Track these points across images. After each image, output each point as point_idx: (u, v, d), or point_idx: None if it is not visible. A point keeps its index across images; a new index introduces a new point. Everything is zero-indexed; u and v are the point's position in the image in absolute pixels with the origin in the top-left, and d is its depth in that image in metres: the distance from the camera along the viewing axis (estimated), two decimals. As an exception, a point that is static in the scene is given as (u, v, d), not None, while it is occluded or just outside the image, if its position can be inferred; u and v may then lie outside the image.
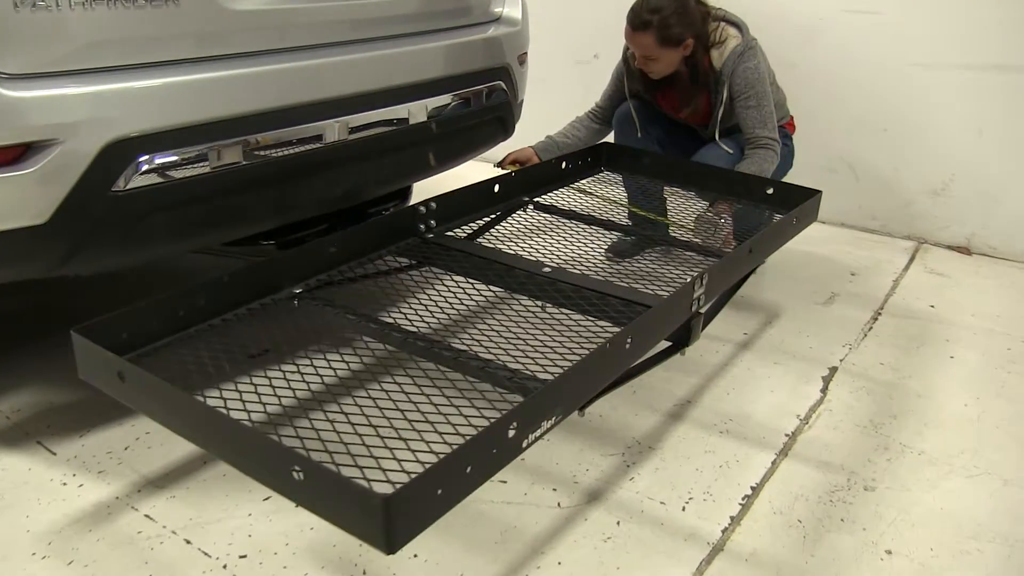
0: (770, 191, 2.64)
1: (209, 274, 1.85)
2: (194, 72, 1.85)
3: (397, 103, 2.25)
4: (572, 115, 3.22)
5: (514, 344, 1.93)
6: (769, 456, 2.15)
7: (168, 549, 1.80)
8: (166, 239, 1.91)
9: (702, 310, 1.94)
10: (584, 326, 2.03)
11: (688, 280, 1.85)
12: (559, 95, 4.11)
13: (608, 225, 2.51)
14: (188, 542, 1.82)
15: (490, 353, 1.80)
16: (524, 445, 1.39)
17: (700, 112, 2.92)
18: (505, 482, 2.03)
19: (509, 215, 2.53)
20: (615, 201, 2.83)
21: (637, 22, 2.70)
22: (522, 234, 2.54)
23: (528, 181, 2.64)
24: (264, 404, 1.87)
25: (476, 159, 2.83)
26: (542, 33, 4.17)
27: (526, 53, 2.89)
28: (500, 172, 2.65)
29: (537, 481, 2.04)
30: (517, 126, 2.89)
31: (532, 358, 1.85)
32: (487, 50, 2.59)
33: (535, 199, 2.61)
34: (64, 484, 1.99)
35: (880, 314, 2.95)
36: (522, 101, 2.92)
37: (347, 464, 1.46)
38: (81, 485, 1.99)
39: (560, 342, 1.95)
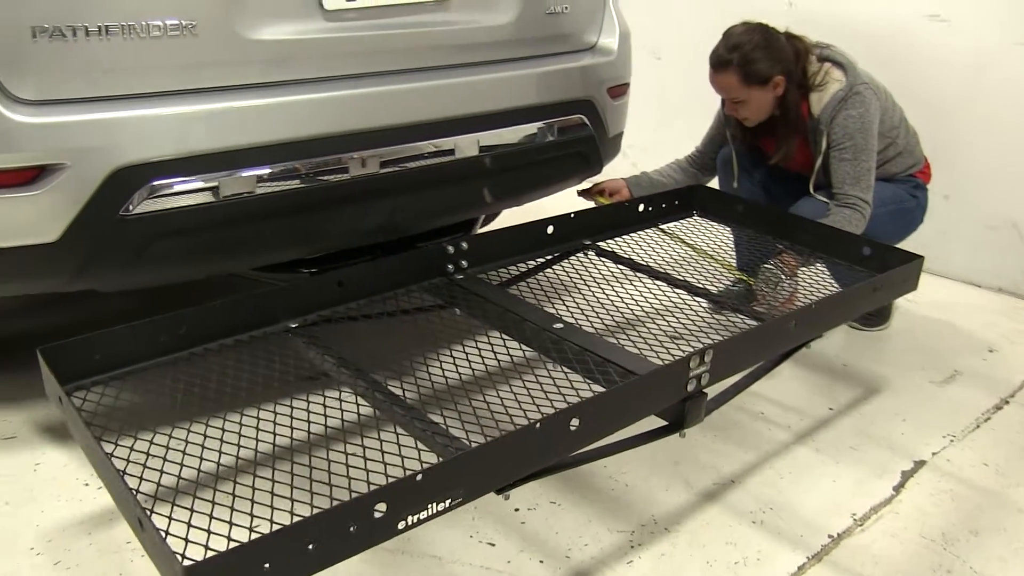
0: (867, 251, 2.34)
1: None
2: (207, 102, 1.89)
3: (437, 136, 2.19)
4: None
5: (485, 401, 1.82)
6: (798, 559, 1.89)
7: (143, 563, 1.84)
8: (174, 263, 1.96)
9: (705, 389, 1.74)
10: (576, 390, 1.87)
11: (682, 356, 1.66)
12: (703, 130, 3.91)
13: (667, 279, 2.32)
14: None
15: (447, 412, 1.70)
16: (401, 527, 1.29)
17: (792, 159, 2.64)
18: (493, 545, 1.92)
19: (565, 259, 2.40)
20: (701, 251, 2.62)
21: (718, 62, 2.49)
22: (568, 282, 2.40)
23: (595, 222, 2.49)
24: (195, 438, 1.82)
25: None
26: (682, 64, 4.01)
27: (626, 85, 2.74)
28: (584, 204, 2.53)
29: (527, 549, 1.91)
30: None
31: (492, 421, 1.73)
32: (568, 82, 2.47)
33: (597, 243, 2.46)
34: (86, 485, 2.09)
35: (1007, 403, 2.54)
36: (619, 135, 2.77)
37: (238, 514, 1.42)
38: (99, 488, 2.08)
39: (534, 406, 1.80)
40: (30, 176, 1.78)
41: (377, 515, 1.25)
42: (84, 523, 1.97)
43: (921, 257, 2.24)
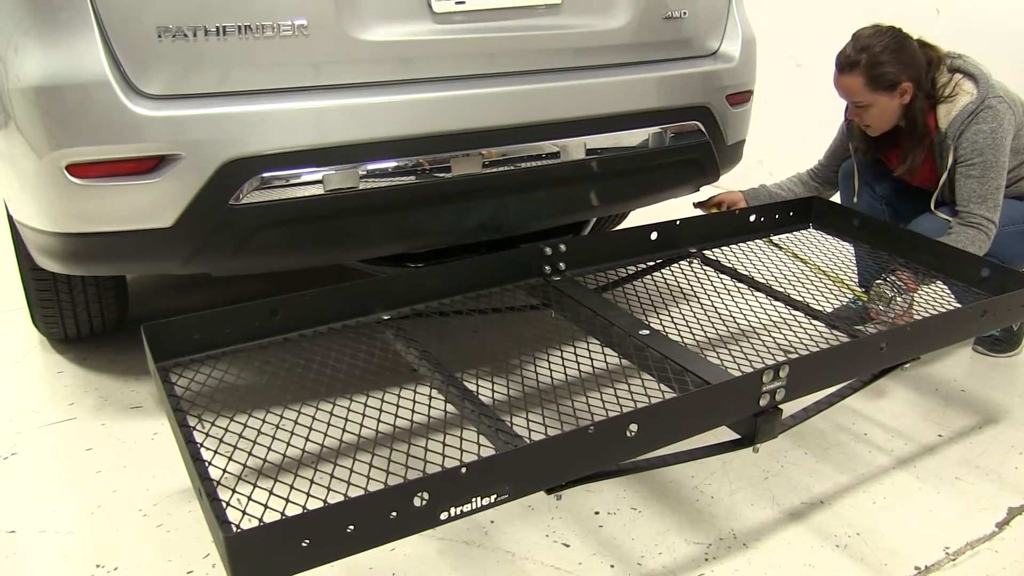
0: (986, 273, 2.20)
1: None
2: (315, 99, 1.98)
3: (544, 139, 2.22)
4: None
5: (559, 402, 1.83)
6: (878, 588, 1.82)
7: (235, 535, 1.96)
8: (280, 252, 2.07)
9: (781, 405, 1.69)
10: (650, 397, 1.86)
11: (756, 370, 1.62)
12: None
13: (769, 292, 2.26)
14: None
15: (518, 410, 1.72)
16: (444, 518, 1.33)
17: (916, 173, 2.51)
18: (568, 545, 1.93)
19: (668, 266, 2.37)
20: (814, 264, 2.54)
21: (844, 63, 2.39)
22: (667, 289, 2.38)
23: (703, 231, 2.45)
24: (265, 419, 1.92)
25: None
26: (824, 72, 3.89)
27: (748, 92, 2.68)
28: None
29: (600, 552, 1.91)
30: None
31: (560, 421, 1.74)
32: (682, 88, 2.45)
33: (703, 251, 2.42)
34: (194, 456, 2.24)
35: None
36: (739, 142, 2.72)
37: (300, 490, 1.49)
38: (205, 460, 2.22)
39: (604, 411, 1.80)
40: (150, 165, 1.92)
41: (418, 504, 1.29)
42: (187, 492, 2.11)
43: (1041, 281, 2.10)
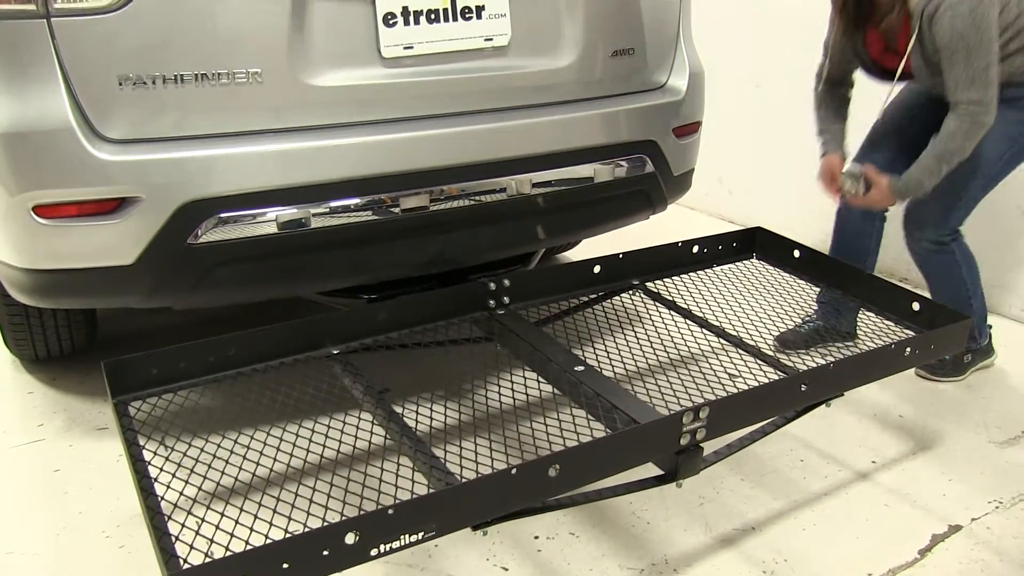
0: (916, 307, 2.31)
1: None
2: (269, 143, 2.08)
3: (495, 176, 2.31)
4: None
5: (492, 438, 1.94)
6: (799, 613, 1.93)
7: (193, 559, 2.05)
8: (236, 287, 2.16)
9: (702, 444, 1.79)
10: (581, 434, 1.96)
11: (677, 412, 1.72)
12: (801, 160, 3.87)
13: (703, 323, 2.37)
14: (209, 556, 2.05)
15: (451, 446, 1.83)
16: (374, 554, 1.43)
17: (896, 52, 2.50)
18: (507, 569, 2.03)
19: (611, 297, 2.48)
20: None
21: None
22: (606, 322, 2.47)
23: (646, 262, 2.55)
24: (229, 449, 2.04)
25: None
26: (782, 93, 3.98)
27: (696, 124, 2.78)
28: (605, 254, 2.59)
29: (537, 576, 2.02)
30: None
31: (491, 458, 1.84)
32: (628, 123, 2.54)
33: (645, 283, 2.52)
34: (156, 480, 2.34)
35: (1069, 471, 2.45)
36: (686, 172, 2.82)
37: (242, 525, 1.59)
38: (169, 483, 2.32)
39: (533, 448, 1.91)
40: (112, 207, 2.01)
41: (350, 541, 1.39)
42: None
43: (968, 318, 2.20)
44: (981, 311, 2.80)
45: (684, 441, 1.75)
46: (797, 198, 4.01)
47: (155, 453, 1.95)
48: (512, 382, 2.29)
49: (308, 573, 1.37)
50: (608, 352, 2.38)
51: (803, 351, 2.84)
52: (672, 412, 1.73)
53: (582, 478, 1.63)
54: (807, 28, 3.84)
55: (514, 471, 1.52)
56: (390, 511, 1.41)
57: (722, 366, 2.25)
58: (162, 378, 1.93)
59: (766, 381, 1.90)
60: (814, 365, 1.97)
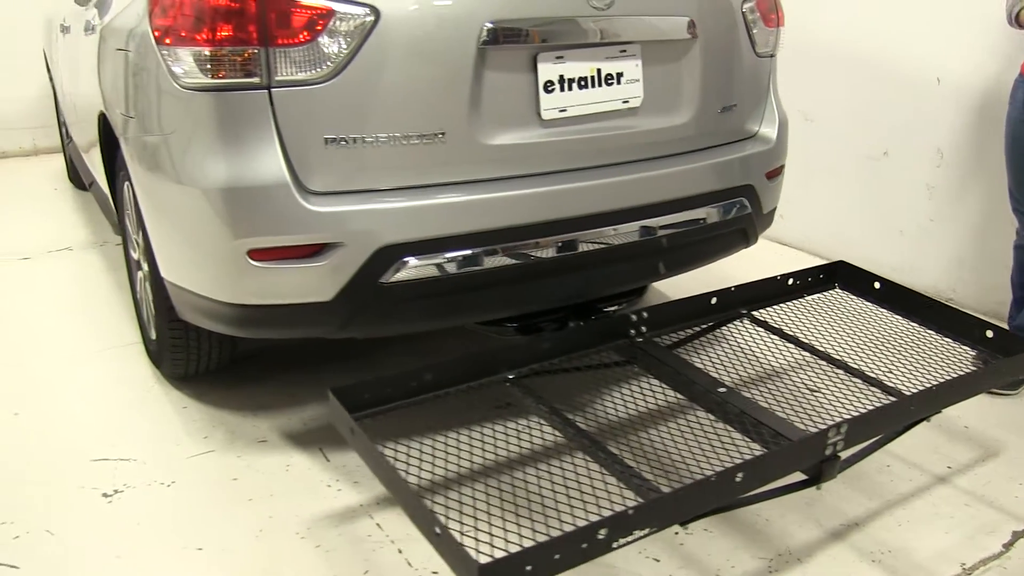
0: (990, 334, 2.68)
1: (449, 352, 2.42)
2: (453, 194, 2.40)
3: (630, 221, 2.66)
4: (861, 210, 3.22)
5: (665, 450, 2.28)
6: (911, 597, 2.29)
7: (384, 554, 2.36)
8: (419, 319, 2.49)
9: (842, 454, 2.15)
10: (736, 446, 2.31)
11: (822, 428, 2.08)
12: (849, 189, 4.26)
13: (809, 348, 2.73)
14: (400, 552, 2.37)
15: (637, 457, 2.17)
16: (613, 546, 1.76)
17: None
18: (658, 560, 2.37)
19: (722, 326, 2.84)
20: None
21: None
22: (728, 347, 2.83)
23: (751, 294, 2.92)
24: (445, 464, 2.39)
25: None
26: (832, 126, 4.35)
27: (782, 166, 3.14)
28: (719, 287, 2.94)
29: (685, 566, 2.35)
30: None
31: (671, 466, 2.19)
32: (732, 170, 2.90)
33: (752, 312, 2.88)
34: (328, 486, 2.64)
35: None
36: (773, 210, 3.18)
37: (484, 528, 1.92)
38: (339, 490, 2.62)
39: (703, 457, 2.26)
40: (315, 250, 2.33)
41: (600, 537, 1.72)
42: (332, 517, 2.51)
43: (1037, 344, 2.58)
44: None
45: (827, 452, 2.11)
46: (842, 223, 4.40)
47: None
48: (655, 399, 2.63)
49: (571, 562, 1.71)
50: (729, 374, 2.73)
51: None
52: (816, 428, 2.09)
53: (759, 481, 1.98)
54: (852, 67, 4.25)
55: (713, 478, 1.86)
56: (630, 511, 1.75)
57: (829, 386, 2.60)
58: (374, 401, 2.24)
59: (876, 400, 2.27)
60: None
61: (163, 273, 2.65)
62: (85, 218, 5.28)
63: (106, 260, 4.50)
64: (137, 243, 3.11)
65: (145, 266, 2.98)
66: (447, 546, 1.68)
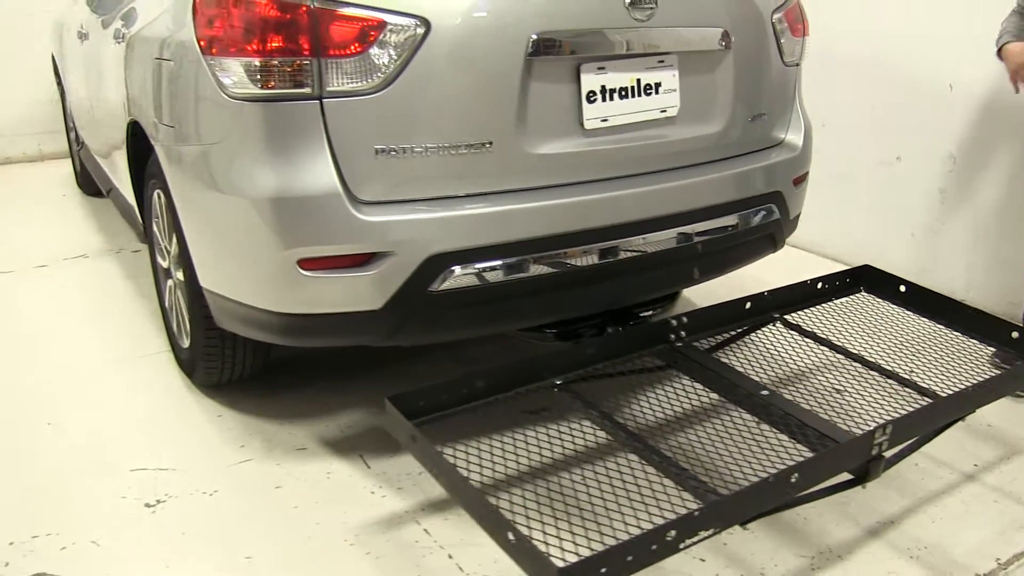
0: (1015, 335, 2.75)
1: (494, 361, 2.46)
2: (499, 203, 2.44)
3: (667, 228, 2.71)
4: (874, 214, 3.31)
5: (715, 452, 2.33)
6: (950, 592, 2.35)
7: (434, 560, 2.40)
8: (464, 327, 2.54)
9: (886, 454, 2.21)
10: (784, 447, 2.37)
11: (869, 429, 2.14)
12: (862, 193, 4.33)
13: (842, 351, 2.79)
14: (450, 557, 2.40)
15: (690, 459, 2.22)
16: (680, 547, 1.81)
17: None
18: (704, 560, 2.42)
19: (756, 330, 2.89)
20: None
21: None
22: (763, 350, 2.89)
23: (783, 299, 2.98)
24: (507, 469, 2.43)
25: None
26: (846, 131, 4.42)
27: (807, 173, 3.21)
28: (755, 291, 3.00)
29: (730, 565, 2.40)
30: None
31: (723, 468, 2.24)
32: (761, 177, 2.96)
33: (784, 316, 2.94)
34: (372, 492, 2.67)
35: None
36: (798, 215, 3.24)
37: (552, 533, 1.97)
38: (384, 496, 2.65)
39: (753, 458, 2.31)
40: (365, 259, 2.36)
41: (668, 538, 1.77)
42: (378, 523, 2.54)
43: (1064, 345, 2.66)
44: None
45: (874, 452, 2.16)
46: (856, 227, 4.47)
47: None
48: (691, 402, 2.69)
49: (643, 563, 1.75)
50: (769, 377, 2.79)
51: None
52: (858, 429, 2.15)
53: (813, 482, 2.04)
54: (863, 74, 4.32)
55: (771, 479, 1.92)
56: (696, 513, 1.80)
57: (867, 388, 2.67)
58: (428, 408, 2.28)
59: (911, 401, 2.33)
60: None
61: (202, 282, 2.67)
62: (97, 224, 5.27)
63: (123, 267, 4.51)
64: (167, 250, 3.13)
65: (178, 274, 3.00)
66: (523, 551, 1.72)
